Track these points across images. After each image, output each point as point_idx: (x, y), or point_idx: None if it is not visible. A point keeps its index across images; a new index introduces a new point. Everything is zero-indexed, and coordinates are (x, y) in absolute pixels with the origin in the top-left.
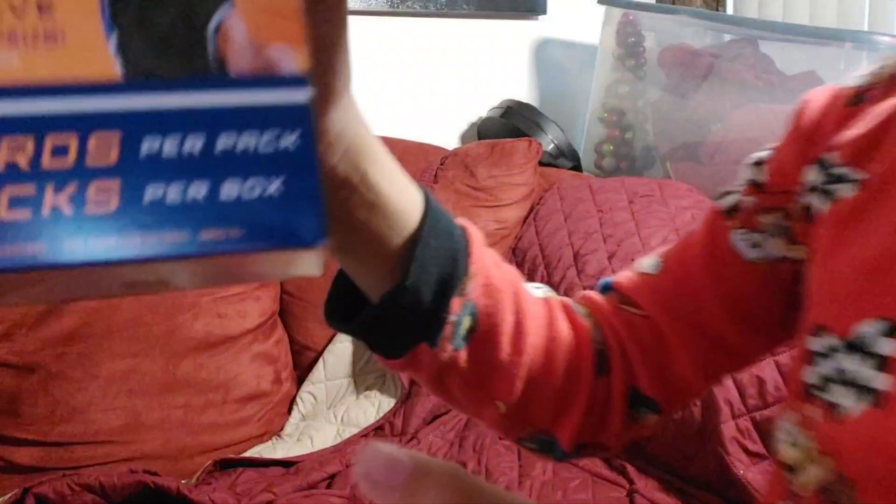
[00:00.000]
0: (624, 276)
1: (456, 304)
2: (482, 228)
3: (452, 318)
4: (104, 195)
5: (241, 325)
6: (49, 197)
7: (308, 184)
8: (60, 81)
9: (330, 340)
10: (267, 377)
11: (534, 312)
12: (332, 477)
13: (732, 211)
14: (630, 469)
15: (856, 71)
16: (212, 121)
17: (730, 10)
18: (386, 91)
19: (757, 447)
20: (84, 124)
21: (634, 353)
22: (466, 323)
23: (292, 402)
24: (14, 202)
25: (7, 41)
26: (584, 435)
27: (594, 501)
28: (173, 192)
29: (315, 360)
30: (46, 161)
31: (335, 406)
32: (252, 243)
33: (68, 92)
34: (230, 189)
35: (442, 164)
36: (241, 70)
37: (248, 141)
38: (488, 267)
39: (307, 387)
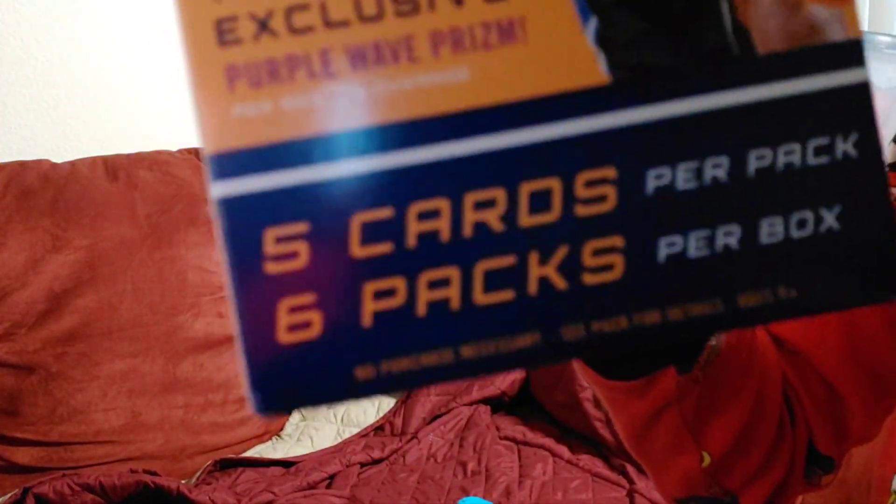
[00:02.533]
0: None
1: None
2: None
3: (713, 340)
4: (607, 257)
5: None
6: (534, 267)
7: (878, 210)
8: (528, 98)
9: None
10: None
11: (761, 343)
12: (331, 477)
13: None
14: (630, 469)
15: None
16: (737, 129)
17: None
18: None
19: None
20: (567, 159)
21: (807, 402)
22: (717, 348)
23: None
24: (491, 279)
25: (450, 45)
26: (768, 499)
27: (594, 501)
28: (697, 243)
29: None
30: (524, 217)
31: (335, 406)
32: (806, 307)
33: (540, 114)
34: (771, 228)
35: None
36: (772, 46)
37: (787, 154)
38: None
39: None
